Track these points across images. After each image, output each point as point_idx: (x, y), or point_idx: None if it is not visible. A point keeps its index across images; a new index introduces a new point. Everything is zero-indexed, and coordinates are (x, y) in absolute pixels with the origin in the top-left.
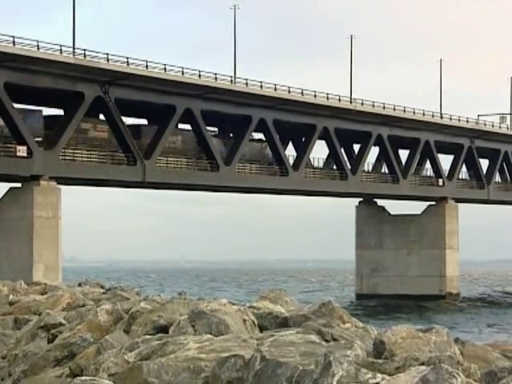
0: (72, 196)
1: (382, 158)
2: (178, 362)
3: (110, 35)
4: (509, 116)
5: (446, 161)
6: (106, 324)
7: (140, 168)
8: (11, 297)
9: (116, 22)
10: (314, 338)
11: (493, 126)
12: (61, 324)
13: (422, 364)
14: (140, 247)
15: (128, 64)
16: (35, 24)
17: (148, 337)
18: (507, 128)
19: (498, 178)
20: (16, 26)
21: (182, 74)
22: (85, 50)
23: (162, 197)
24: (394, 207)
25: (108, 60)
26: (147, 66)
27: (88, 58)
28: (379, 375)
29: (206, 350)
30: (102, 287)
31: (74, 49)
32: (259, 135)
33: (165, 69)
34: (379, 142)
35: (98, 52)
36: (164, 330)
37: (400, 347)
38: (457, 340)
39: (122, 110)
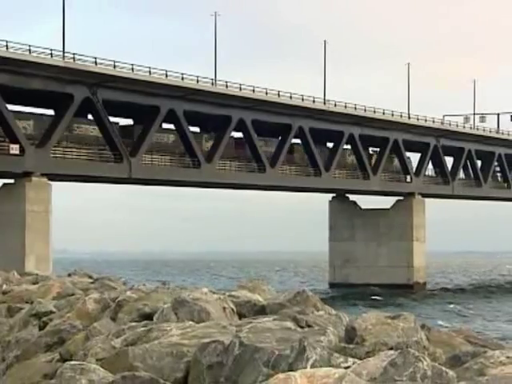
0: (63, 191)
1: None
2: (162, 347)
3: (98, 40)
4: (472, 116)
5: (413, 158)
6: (94, 312)
7: (126, 165)
8: (4, 286)
9: (104, 29)
10: (289, 324)
11: (457, 125)
12: (51, 312)
13: (391, 349)
14: (127, 239)
15: (115, 67)
16: (26, 29)
17: (133, 324)
18: (470, 128)
19: (462, 174)
20: (7, 32)
21: (166, 76)
22: (74, 53)
23: (147, 192)
24: (365, 202)
25: (96, 63)
26: (133, 69)
27: (77, 61)
28: (350, 359)
29: (188, 336)
30: (91, 277)
31: (63, 53)
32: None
33: (149, 72)
34: (351, 140)
35: (86, 56)
36: (149, 317)
37: (370, 333)
38: (423, 326)
39: (109, 110)
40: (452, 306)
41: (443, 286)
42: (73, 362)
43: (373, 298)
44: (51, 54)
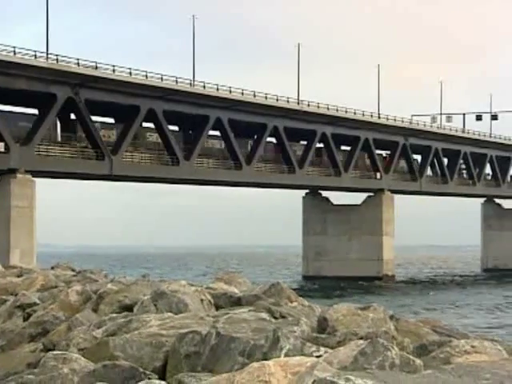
0: (48, 187)
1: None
2: (142, 337)
3: (80, 42)
4: (439, 116)
5: (383, 156)
6: (76, 303)
7: (108, 162)
8: None
9: (86, 31)
10: (264, 315)
11: (425, 125)
12: (35, 304)
13: (361, 338)
14: (109, 234)
15: (96, 68)
16: (9, 32)
17: (114, 315)
18: (437, 127)
19: (429, 171)
20: None
21: (146, 77)
22: (57, 55)
23: (127, 188)
24: (337, 198)
25: (78, 64)
26: (114, 70)
27: (60, 62)
28: (322, 348)
29: (167, 326)
30: (73, 270)
31: (47, 54)
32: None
33: (130, 72)
34: (324, 139)
35: (69, 57)
36: (129, 308)
37: (341, 323)
38: (392, 317)
39: (91, 109)
40: (420, 296)
41: (411, 278)
42: (55, 352)
43: (345, 289)
44: (35, 55)
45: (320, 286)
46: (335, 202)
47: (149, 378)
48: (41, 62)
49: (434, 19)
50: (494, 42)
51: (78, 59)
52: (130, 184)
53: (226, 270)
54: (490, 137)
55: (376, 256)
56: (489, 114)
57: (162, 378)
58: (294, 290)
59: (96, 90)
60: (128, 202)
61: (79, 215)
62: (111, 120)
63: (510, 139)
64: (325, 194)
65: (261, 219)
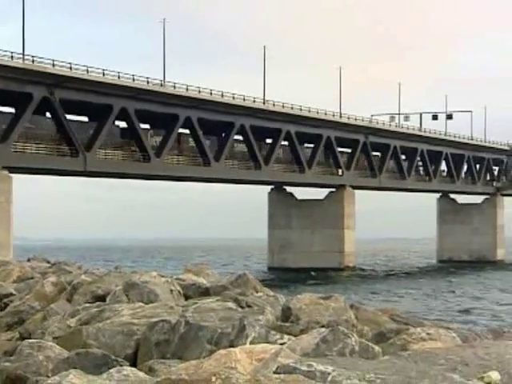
0: (24, 183)
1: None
2: (114, 326)
3: (56, 44)
4: (397, 116)
5: (344, 153)
6: (52, 294)
7: (82, 159)
8: None
9: (62, 33)
10: (231, 305)
11: (384, 124)
12: (12, 294)
13: (323, 326)
14: (82, 227)
15: (71, 68)
16: None
17: (87, 305)
18: (396, 126)
19: (388, 168)
20: None
21: (118, 77)
22: (33, 56)
23: (101, 184)
24: (301, 193)
25: (54, 65)
26: (88, 70)
27: (36, 63)
28: (286, 336)
29: (138, 315)
30: (48, 262)
31: (23, 55)
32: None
33: (103, 73)
34: (288, 137)
35: (45, 58)
36: (102, 298)
37: (304, 312)
38: (352, 306)
39: (65, 108)
40: (379, 286)
41: (371, 269)
42: (31, 340)
43: (308, 280)
44: (12, 56)
45: (284, 276)
46: (299, 198)
47: (120, 365)
48: (17, 63)
49: (393, 23)
50: (449, 46)
51: (53, 60)
52: (104, 180)
53: (194, 262)
54: (445, 135)
55: (338, 248)
56: (444, 114)
57: (133, 364)
58: (260, 280)
59: (70, 89)
60: (100, 197)
61: (52, 210)
62: (85, 119)
63: (464, 138)
64: (289, 189)
65: (228, 213)
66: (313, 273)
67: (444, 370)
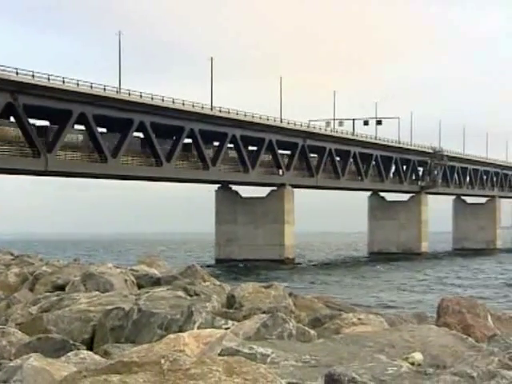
0: None
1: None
2: (72, 313)
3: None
4: (332, 121)
5: (284, 155)
6: (15, 284)
7: (43, 160)
8: None
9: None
10: (180, 293)
11: (320, 129)
12: None
13: (264, 313)
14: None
15: (33, 76)
16: None
17: (48, 294)
18: (331, 131)
19: (324, 168)
20: None
21: (77, 85)
22: None
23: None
24: (245, 191)
25: (17, 73)
26: (49, 78)
27: (0, 71)
28: (230, 322)
29: (95, 303)
30: (12, 254)
31: None
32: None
33: (63, 81)
34: (234, 140)
35: (8, 66)
36: (61, 288)
37: (247, 300)
38: (291, 294)
39: (28, 113)
40: (316, 276)
41: (309, 260)
42: None
43: (251, 270)
44: None
45: (230, 267)
46: (244, 195)
47: (78, 349)
48: None
49: (331, 37)
50: (379, 59)
51: (16, 68)
52: (64, 179)
53: (147, 254)
54: (376, 139)
55: (278, 241)
56: (374, 120)
57: (89, 348)
58: (208, 271)
59: (33, 96)
60: (62, 195)
61: (16, 206)
62: (46, 123)
63: (392, 141)
64: (235, 188)
65: (179, 209)
66: (241, 264)
67: (372, 351)
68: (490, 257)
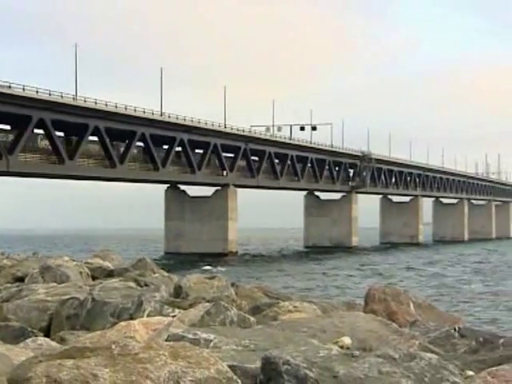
0: None
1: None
2: (30, 303)
3: None
4: (271, 127)
5: (228, 158)
6: None
7: (5, 161)
8: None
9: None
10: (131, 284)
11: (260, 134)
12: None
13: (208, 301)
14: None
15: None
16: None
17: (8, 285)
18: (270, 135)
19: (264, 170)
20: None
21: (37, 92)
22: None
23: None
24: (193, 191)
25: None
26: (10, 86)
27: None
28: (177, 310)
29: (52, 294)
30: None
31: None
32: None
33: (23, 88)
34: (182, 143)
35: None
36: (21, 280)
37: (193, 290)
38: (233, 284)
39: None
40: (256, 268)
41: (251, 254)
42: None
43: (197, 263)
44: None
45: (177, 260)
46: (191, 194)
47: (36, 336)
48: None
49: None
50: (313, 70)
51: None
52: (25, 179)
53: (101, 248)
54: (311, 143)
55: (222, 236)
56: (310, 126)
57: (46, 335)
58: (157, 263)
59: None
60: (21, 193)
61: None
62: (8, 127)
63: (325, 145)
64: (183, 187)
65: (131, 207)
66: (211, 257)
67: (306, 336)
68: (412, 249)
